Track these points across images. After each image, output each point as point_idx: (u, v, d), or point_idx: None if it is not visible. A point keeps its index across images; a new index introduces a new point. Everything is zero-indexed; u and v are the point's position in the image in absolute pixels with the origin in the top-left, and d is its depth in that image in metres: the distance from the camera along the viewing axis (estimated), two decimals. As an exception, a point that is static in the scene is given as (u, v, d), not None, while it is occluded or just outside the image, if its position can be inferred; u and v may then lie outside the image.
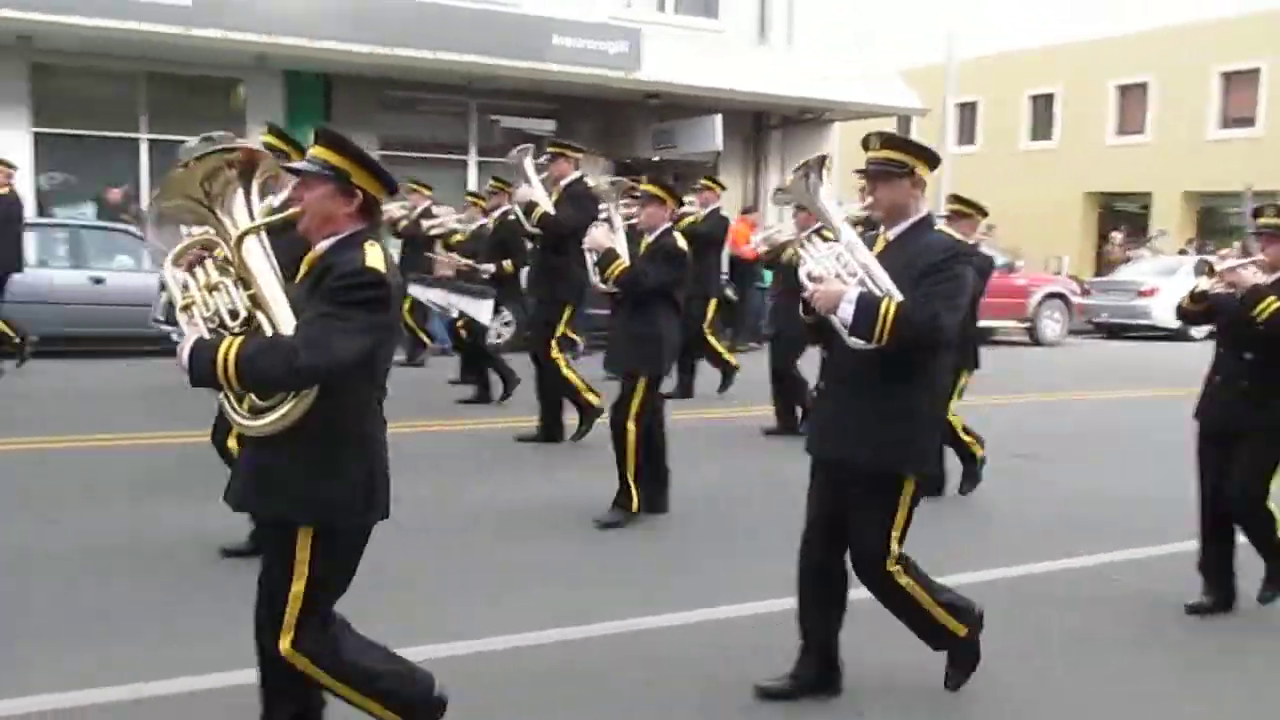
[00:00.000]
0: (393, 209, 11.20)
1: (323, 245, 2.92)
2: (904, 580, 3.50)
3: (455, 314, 9.56)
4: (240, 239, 2.86)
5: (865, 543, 3.51)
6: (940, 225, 4.02)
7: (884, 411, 3.44)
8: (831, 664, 3.67)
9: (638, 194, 6.14)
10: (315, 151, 2.94)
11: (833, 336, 3.49)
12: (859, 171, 3.79)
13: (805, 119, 18.52)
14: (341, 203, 2.91)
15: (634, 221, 6.20)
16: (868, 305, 3.34)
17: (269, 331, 2.82)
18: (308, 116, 15.45)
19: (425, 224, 10.89)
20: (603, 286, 6.04)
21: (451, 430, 8.33)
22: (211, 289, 2.86)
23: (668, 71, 15.87)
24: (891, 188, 3.53)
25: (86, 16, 12.66)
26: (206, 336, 2.77)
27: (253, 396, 2.81)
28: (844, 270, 3.49)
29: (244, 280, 2.86)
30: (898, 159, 3.52)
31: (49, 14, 12.54)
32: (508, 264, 9.33)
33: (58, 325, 11.22)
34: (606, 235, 6.02)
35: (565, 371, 7.86)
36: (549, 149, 7.98)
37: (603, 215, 6.58)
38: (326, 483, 2.84)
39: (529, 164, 7.86)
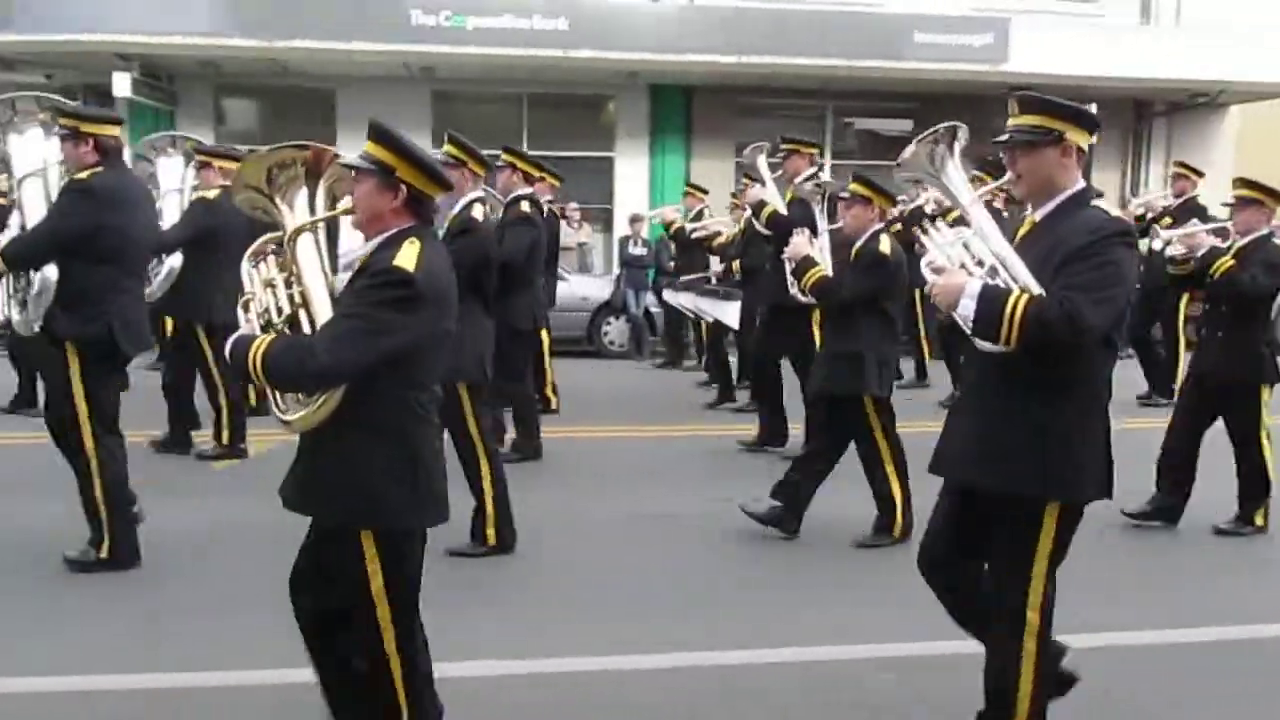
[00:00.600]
0: (666, 212, 11.46)
1: (371, 244, 2.88)
2: (1028, 644, 3.03)
3: (709, 318, 9.59)
4: (294, 235, 2.90)
5: (1001, 581, 3.10)
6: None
7: (1015, 425, 2.96)
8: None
9: (844, 195, 5.70)
10: (366, 147, 2.90)
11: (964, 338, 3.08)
12: (997, 142, 3.17)
13: (1196, 103, 16.76)
14: (387, 198, 2.86)
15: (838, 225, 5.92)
16: (991, 300, 2.88)
17: (306, 330, 2.83)
18: (671, 127, 16.12)
19: (689, 228, 11.03)
20: (801, 297, 5.86)
21: (684, 435, 8.36)
22: (267, 285, 2.92)
23: (1038, 62, 14.92)
24: (1035, 158, 3.00)
25: (480, 47, 13.94)
26: (257, 332, 2.82)
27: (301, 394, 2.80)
28: (971, 260, 3.04)
29: (295, 277, 2.90)
30: (1040, 124, 3.00)
31: (450, 46, 13.93)
32: (736, 265, 9.08)
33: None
34: (806, 241, 5.73)
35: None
36: (782, 145, 7.57)
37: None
38: (368, 485, 2.78)
39: (762, 162, 7.63)
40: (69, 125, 4.65)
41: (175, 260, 7.05)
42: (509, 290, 6.30)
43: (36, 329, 4.68)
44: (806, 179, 7.09)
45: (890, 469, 5.46)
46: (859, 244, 5.49)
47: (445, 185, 2.99)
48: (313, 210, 2.98)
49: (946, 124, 3.33)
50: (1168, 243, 6.03)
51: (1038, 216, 3.09)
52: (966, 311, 2.93)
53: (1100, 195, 3.18)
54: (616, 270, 13.70)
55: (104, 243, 4.58)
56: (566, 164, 16.43)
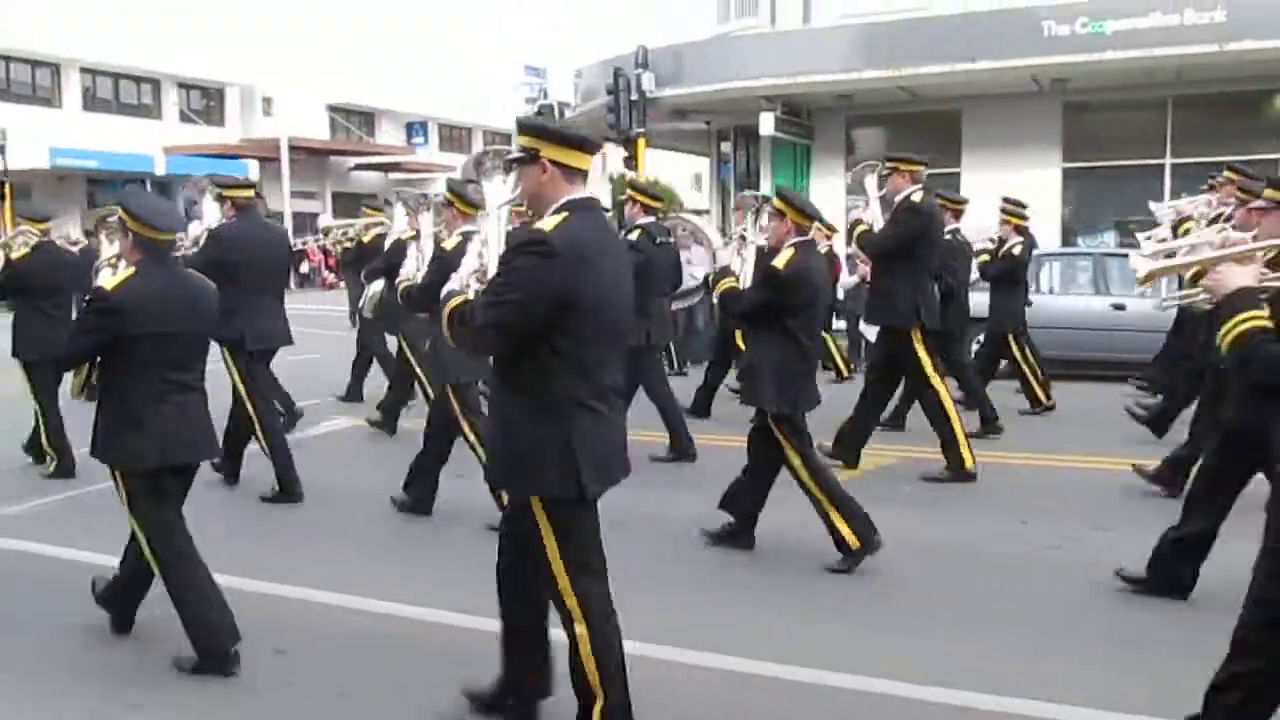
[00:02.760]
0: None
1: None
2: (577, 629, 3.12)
3: None
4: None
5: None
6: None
7: (498, 427, 3.29)
8: None
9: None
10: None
11: None
12: None
13: None
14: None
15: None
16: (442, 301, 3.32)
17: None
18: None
19: None
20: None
21: None
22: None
23: None
24: (524, 176, 3.22)
25: (1120, 51, 13.06)
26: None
27: None
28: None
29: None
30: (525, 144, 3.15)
31: (1086, 54, 13.25)
32: None
33: (1080, 350, 11.77)
34: (733, 250, 5.77)
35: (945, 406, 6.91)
36: (886, 163, 7.16)
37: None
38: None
39: (870, 181, 7.14)
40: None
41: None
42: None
43: None
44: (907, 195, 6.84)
45: (813, 491, 5.21)
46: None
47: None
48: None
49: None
50: None
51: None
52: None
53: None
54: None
55: None
56: (1218, 170, 14.79)
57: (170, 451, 3.96)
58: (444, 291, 3.36)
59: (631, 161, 16.31)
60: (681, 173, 45.25)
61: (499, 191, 3.37)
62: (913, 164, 7.08)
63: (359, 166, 37.66)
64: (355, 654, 4.08)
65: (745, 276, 5.68)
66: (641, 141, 15.80)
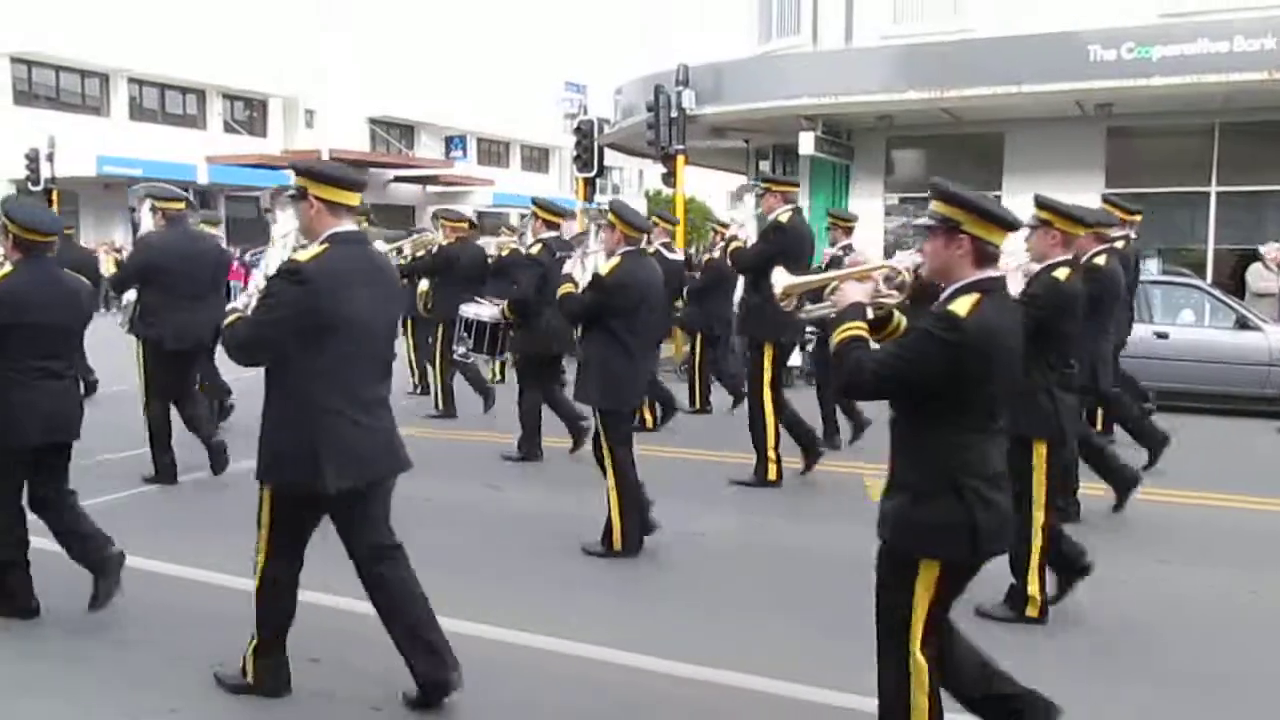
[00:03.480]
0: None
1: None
2: None
3: None
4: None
5: None
6: None
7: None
8: None
9: None
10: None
11: None
12: None
13: None
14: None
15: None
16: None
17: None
18: None
19: None
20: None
21: None
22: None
23: None
24: None
25: (1166, 77, 12.91)
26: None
27: None
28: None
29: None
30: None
31: (1131, 79, 13.11)
32: None
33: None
34: (575, 260, 6.25)
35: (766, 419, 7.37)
36: (761, 184, 7.81)
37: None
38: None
39: (748, 200, 7.79)
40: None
41: None
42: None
43: None
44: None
45: (610, 484, 5.69)
46: None
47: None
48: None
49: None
50: None
51: None
52: None
53: None
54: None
55: None
56: (1264, 199, 14.62)
57: (44, 431, 4.50)
58: (227, 307, 3.89)
59: (670, 179, 16.30)
60: (719, 190, 45.33)
61: (288, 222, 3.80)
62: (786, 185, 7.73)
63: (398, 179, 37.98)
64: (392, 666, 4.06)
65: (583, 283, 6.13)
66: (680, 159, 15.78)
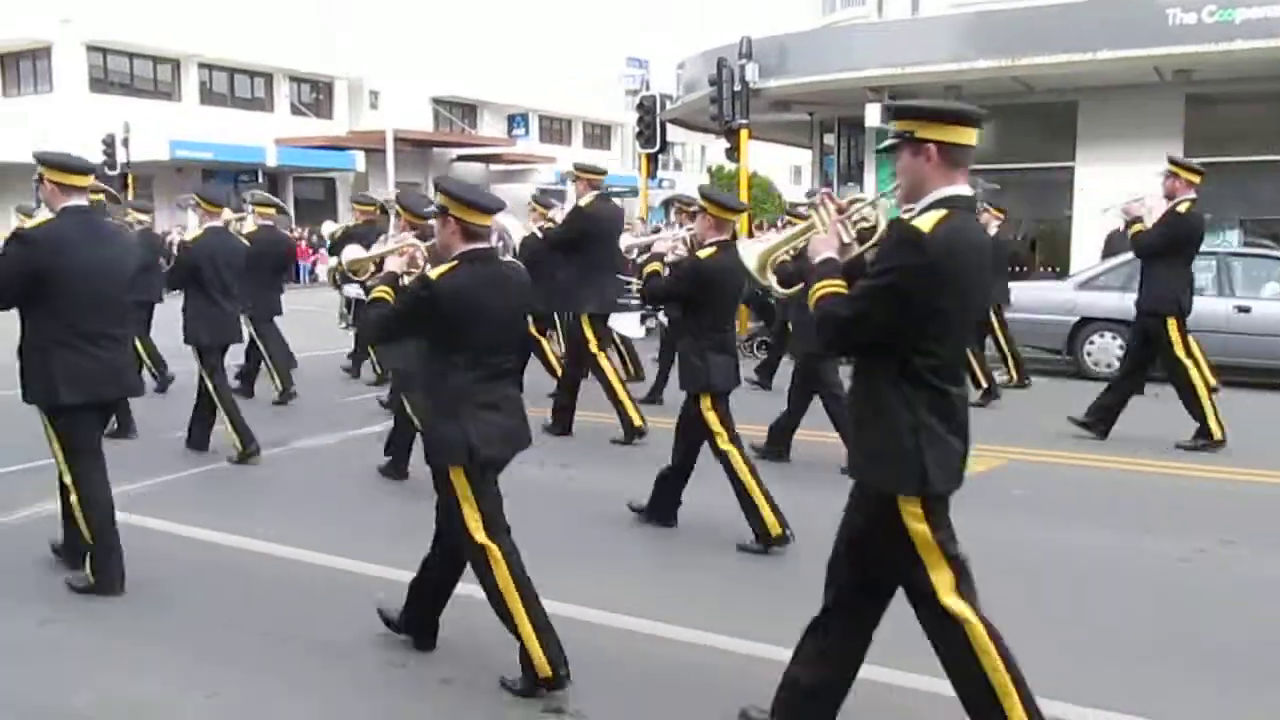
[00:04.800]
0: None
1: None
2: None
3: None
4: None
5: None
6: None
7: None
8: None
9: None
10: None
11: None
12: None
13: None
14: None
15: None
16: None
17: None
18: None
19: None
20: None
21: None
22: None
23: None
24: None
25: (1250, 40, 12.45)
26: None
27: None
28: None
29: None
30: None
31: (1212, 44, 12.67)
32: None
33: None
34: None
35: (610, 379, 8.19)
36: (575, 169, 8.62)
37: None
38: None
39: (570, 187, 8.25)
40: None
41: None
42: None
43: None
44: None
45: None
46: None
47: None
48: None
49: None
50: None
51: None
52: None
53: None
54: None
55: None
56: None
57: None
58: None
59: (733, 153, 16.16)
60: (782, 165, 44.89)
61: None
62: (592, 173, 8.44)
63: (461, 158, 38.20)
64: (465, 643, 4.10)
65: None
66: (744, 133, 15.63)
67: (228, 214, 8.27)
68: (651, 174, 18.92)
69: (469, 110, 41.72)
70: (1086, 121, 15.11)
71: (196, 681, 3.88)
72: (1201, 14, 12.66)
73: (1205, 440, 7.70)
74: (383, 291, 3.94)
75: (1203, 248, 13.15)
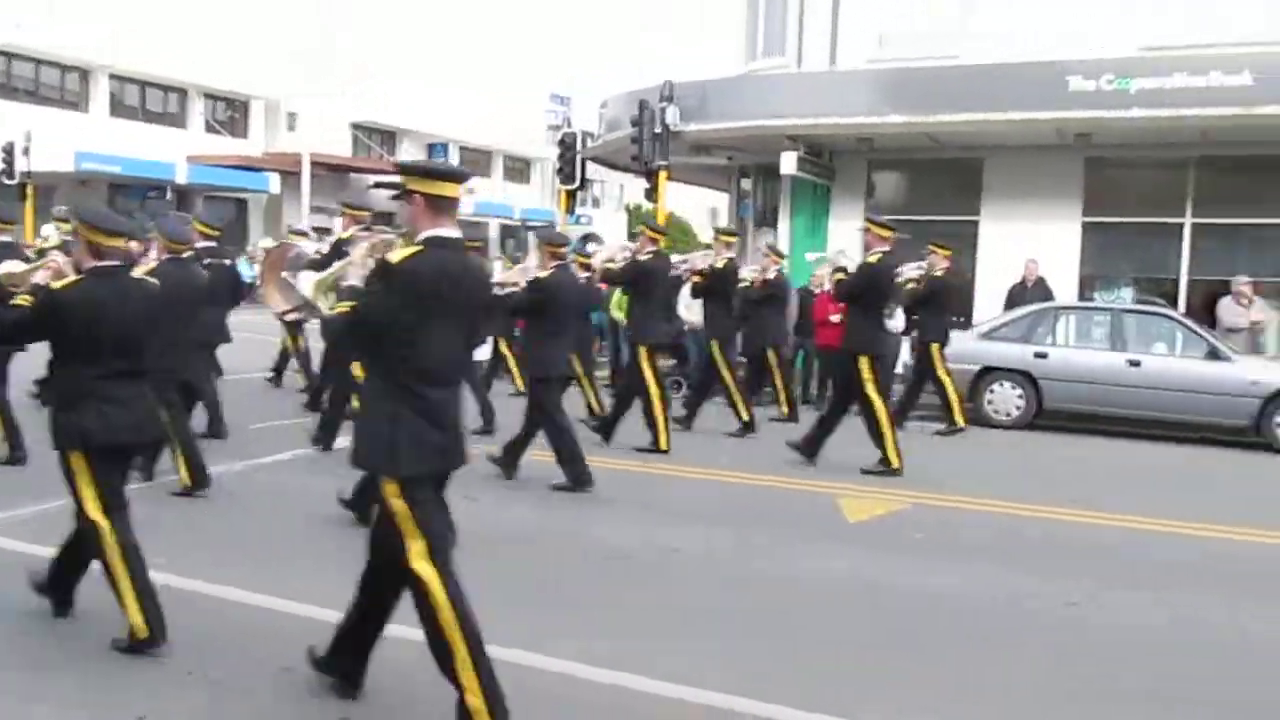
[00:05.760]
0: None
1: None
2: None
3: None
4: None
5: None
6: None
7: None
8: None
9: None
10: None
11: None
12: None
13: None
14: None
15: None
16: None
17: None
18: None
19: None
20: None
21: None
22: None
23: None
24: None
25: (1145, 109, 13.09)
26: None
27: None
28: None
29: None
30: None
31: (1110, 110, 13.29)
32: None
33: (1095, 404, 11.76)
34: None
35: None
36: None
37: None
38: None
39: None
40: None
41: None
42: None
43: None
44: None
45: None
46: None
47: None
48: None
49: None
50: None
51: None
52: None
53: None
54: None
55: None
56: (1236, 232, 14.82)
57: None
58: None
59: (652, 194, 16.35)
60: (699, 207, 45.46)
61: None
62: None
63: (378, 184, 37.82)
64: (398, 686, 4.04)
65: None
66: (663, 174, 15.83)
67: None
68: (570, 210, 19.01)
69: (388, 137, 41.41)
70: (992, 178, 15.66)
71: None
72: (1100, 82, 13.27)
73: (885, 468, 8.61)
74: (23, 299, 4.43)
75: (1097, 303, 13.95)
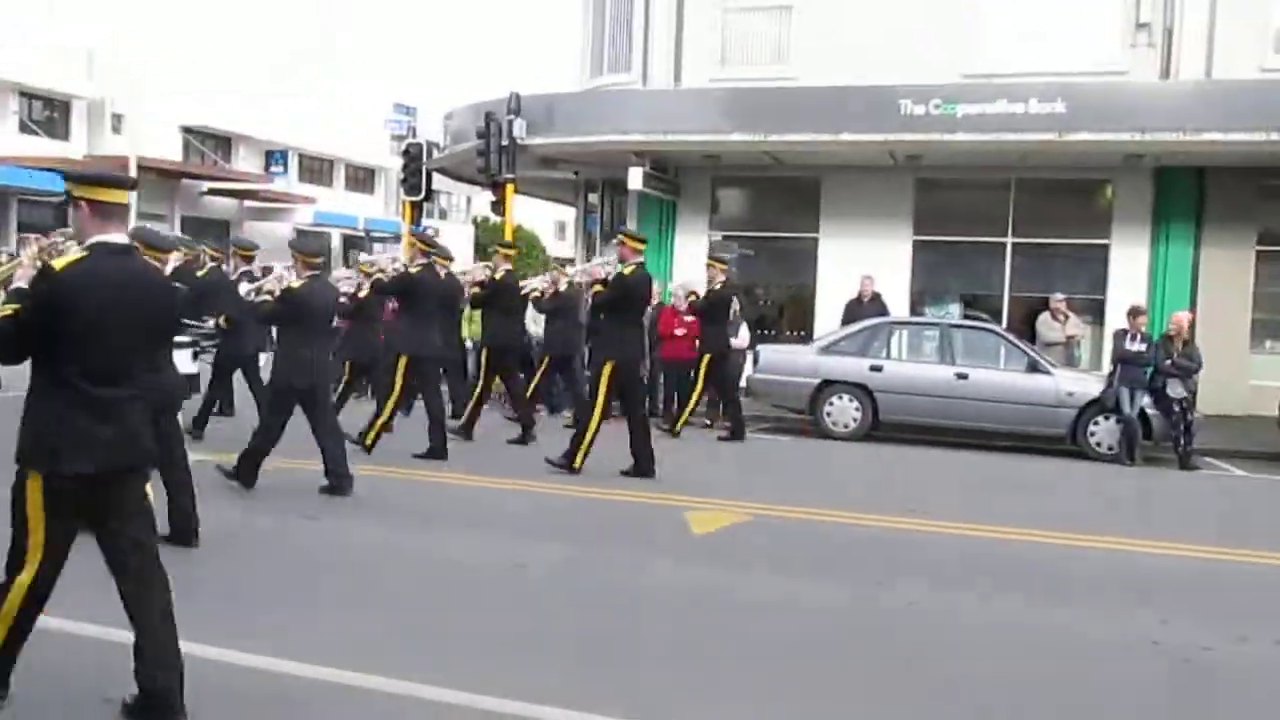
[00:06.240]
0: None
1: None
2: None
3: None
4: None
5: None
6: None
7: None
8: None
9: None
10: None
11: None
12: None
13: None
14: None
15: None
16: None
17: None
18: (1177, 211, 14.80)
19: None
20: None
21: None
22: None
23: None
24: None
25: (969, 133, 13.79)
26: None
27: None
28: None
29: None
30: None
31: (938, 134, 13.94)
32: None
33: (927, 416, 12.28)
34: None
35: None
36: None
37: None
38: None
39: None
40: None
41: None
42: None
43: None
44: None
45: None
46: None
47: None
48: None
49: None
50: None
51: None
52: None
53: None
54: (1109, 367, 12.66)
55: None
56: (1053, 251, 15.77)
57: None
58: None
59: (499, 206, 16.22)
60: (547, 220, 45.36)
61: None
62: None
63: (212, 191, 36.31)
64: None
65: None
66: (509, 187, 15.74)
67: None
68: (415, 221, 18.66)
69: (223, 142, 39.77)
70: (829, 196, 16.20)
71: None
72: (929, 106, 13.93)
73: (566, 464, 9.00)
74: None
75: (926, 318, 14.59)
